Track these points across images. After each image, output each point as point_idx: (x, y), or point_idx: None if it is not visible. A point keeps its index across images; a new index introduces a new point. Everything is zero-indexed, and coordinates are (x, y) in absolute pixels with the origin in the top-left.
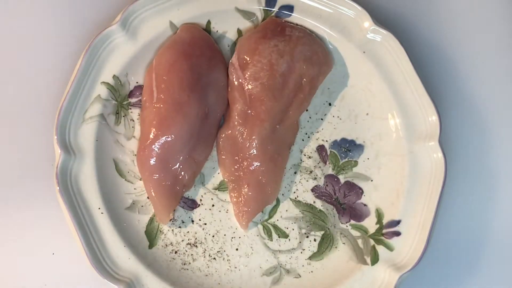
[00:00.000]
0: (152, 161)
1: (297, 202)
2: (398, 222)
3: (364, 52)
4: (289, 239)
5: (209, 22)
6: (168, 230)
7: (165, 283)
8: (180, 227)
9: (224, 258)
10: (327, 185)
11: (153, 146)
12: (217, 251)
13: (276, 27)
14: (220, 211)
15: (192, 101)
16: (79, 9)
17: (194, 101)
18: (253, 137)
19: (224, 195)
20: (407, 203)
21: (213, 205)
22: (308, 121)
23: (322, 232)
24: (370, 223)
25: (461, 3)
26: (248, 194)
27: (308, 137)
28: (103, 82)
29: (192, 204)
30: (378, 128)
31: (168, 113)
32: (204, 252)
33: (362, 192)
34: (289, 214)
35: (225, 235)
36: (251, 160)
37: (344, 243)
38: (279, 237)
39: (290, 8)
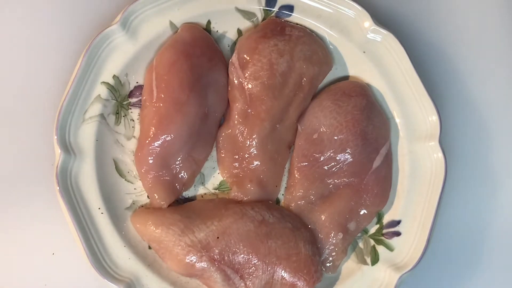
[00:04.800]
0: (150, 160)
1: None
2: (398, 222)
3: (364, 52)
4: None
5: (209, 22)
6: None
7: (165, 283)
8: None
9: None
10: None
11: (152, 145)
12: None
13: (276, 27)
14: None
15: (192, 101)
16: (79, 9)
17: (194, 101)
18: (253, 136)
19: (224, 195)
20: (407, 203)
21: None
22: None
23: None
24: (370, 223)
25: (461, 3)
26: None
27: None
28: (103, 82)
29: None
30: None
31: (167, 112)
32: None
33: None
34: None
35: None
36: (251, 159)
37: None
38: None
39: (290, 8)
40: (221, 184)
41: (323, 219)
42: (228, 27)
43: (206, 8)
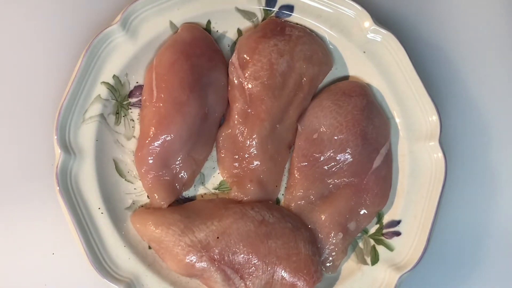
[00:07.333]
0: (150, 160)
1: None
2: (398, 222)
3: (364, 52)
4: None
5: (209, 22)
6: None
7: (165, 283)
8: None
9: None
10: None
11: (152, 145)
12: None
13: (276, 27)
14: None
15: (191, 101)
16: (79, 9)
17: (194, 101)
18: (253, 136)
19: (224, 195)
20: (407, 203)
21: None
22: None
23: None
24: (370, 223)
25: (461, 3)
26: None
27: None
28: (103, 82)
29: None
30: None
31: (167, 112)
32: None
33: None
34: None
35: None
36: (251, 159)
37: None
38: None
39: (290, 8)
40: (221, 184)
41: (323, 219)
42: (228, 27)
43: (206, 8)
